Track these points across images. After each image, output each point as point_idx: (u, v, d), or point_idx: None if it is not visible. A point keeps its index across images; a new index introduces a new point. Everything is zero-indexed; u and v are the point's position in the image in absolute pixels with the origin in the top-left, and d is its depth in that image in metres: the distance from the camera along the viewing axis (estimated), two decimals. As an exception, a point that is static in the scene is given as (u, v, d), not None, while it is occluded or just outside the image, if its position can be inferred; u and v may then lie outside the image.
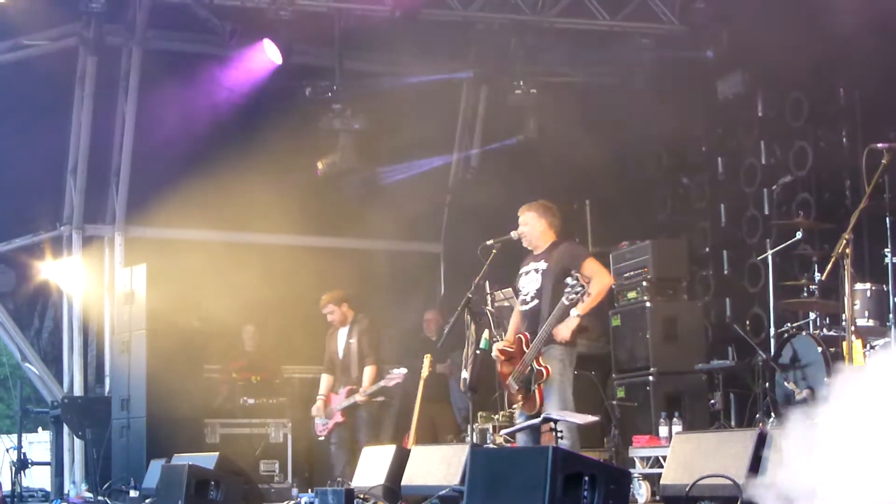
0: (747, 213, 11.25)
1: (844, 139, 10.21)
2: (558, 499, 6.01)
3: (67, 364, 13.02)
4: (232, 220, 12.94)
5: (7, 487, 11.55)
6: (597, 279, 7.76)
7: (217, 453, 9.80)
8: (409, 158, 13.28)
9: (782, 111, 10.93)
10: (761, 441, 6.51)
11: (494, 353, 8.03)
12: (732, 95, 11.38)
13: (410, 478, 8.69)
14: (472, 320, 8.02)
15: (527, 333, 7.93)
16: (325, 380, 11.11)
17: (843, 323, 7.70)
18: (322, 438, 11.08)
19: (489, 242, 8.18)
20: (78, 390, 12.90)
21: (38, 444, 15.03)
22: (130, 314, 11.58)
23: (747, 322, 10.68)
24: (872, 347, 7.82)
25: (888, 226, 8.35)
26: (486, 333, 8.12)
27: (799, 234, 9.32)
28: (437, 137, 13.68)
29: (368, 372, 10.75)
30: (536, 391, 7.83)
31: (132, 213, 13.08)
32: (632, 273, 10.29)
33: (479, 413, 10.24)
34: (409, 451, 9.05)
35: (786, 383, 8.48)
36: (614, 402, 10.02)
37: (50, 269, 13.07)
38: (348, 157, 12.02)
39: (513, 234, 8.19)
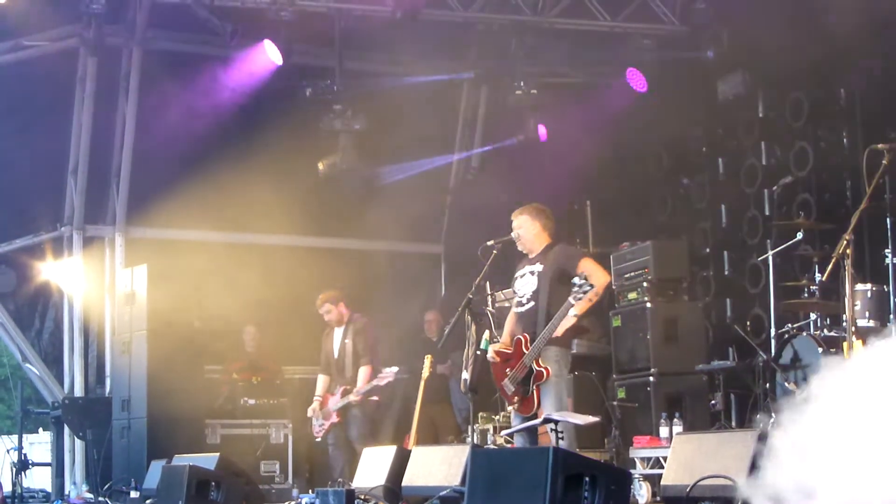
0: (748, 213, 11.25)
1: (845, 139, 10.21)
2: (559, 499, 6.01)
3: (68, 365, 13.02)
4: (232, 221, 12.95)
5: (8, 488, 11.54)
6: (593, 279, 7.77)
7: (218, 454, 9.80)
8: (410, 159, 13.28)
9: (783, 111, 10.93)
10: (762, 442, 6.51)
11: (490, 355, 8.02)
12: (733, 96, 11.38)
13: (411, 478, 8.69)
14: (473, 321, 8.02)
15: (526, 335, 7.93)
16: (322, 380, 11.13)
17: (844, 324, 7.71)
18: (319, 440, 11.10)
19: (490, 243, 8.18)
20: (78, 391, 12.90)
21: (39, 444, 15.03)
22: (131, 315, 11.58)
23: (748, 323, 10.67)
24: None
25: (889, 226, 8.36)
26: (486, 334, 8.12)
27: (799, 235, 9.31)
28: (437, 138, 13.68)
29: (363, 372, 10.77)
30: (535, 392, 7.84)
31: (133, 213, 13.09)
32: (632, 274, 10.29)
33: (480, 414, 10.26)
34: (410, 451, 9.05)
35: (786, 384, 8.48)
36: (615, 403, 10.01)
37: (50, 270, 13.07)
38: (349, 158, 12.02)
39: (513, 234, 8.20)
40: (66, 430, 12.52)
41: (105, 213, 13.20)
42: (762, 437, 6.44)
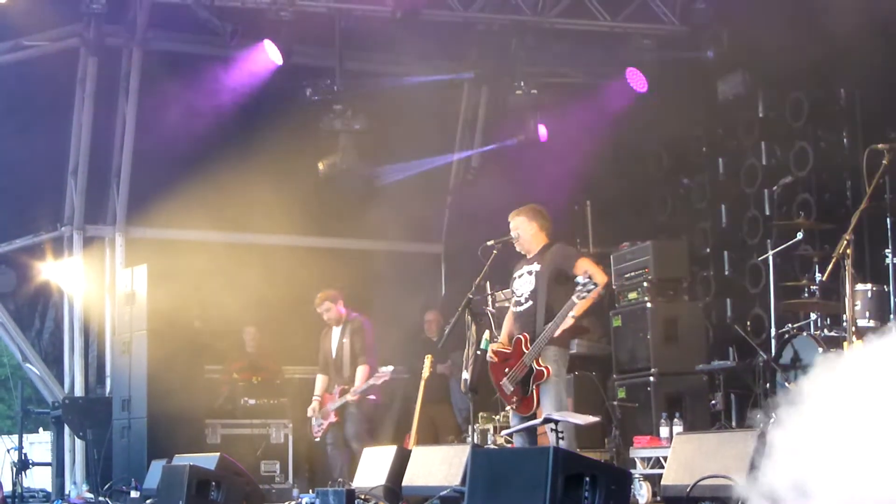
0: (748, 213, 11.26)
1: (845, 139, 10.22)
2: (559, 499, 6.02)
3: (68, 365, 13.02)
4: (233, 221, 12.95)
5: (8, 488, 11.54)
6: (593, 279, 7.78)
7: (218, 454, 9.79)
8: (410, 159, 13.28)
9: (783, 111, 10.93)
10: (762, 441, 6.51)
11: (489, 355, 8.03)
12: (733, 96, 11.39)
13: (411, 478, 8.69)
14: (473, 321, 8.03)
15: (525, 334, 7.94)
16: (321, 380, 11.15)
17: (844, 324, 7.72)
18: (318, 440, 11.11)
19: (490, 243, 8.20)
20: (79, 391, 12.90)
21: (39, 444, 15.02)
22: (131, 315, 11.58)
23: (748, 323, 10.68)
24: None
25: (889, 226, 8.37)
26: (486, 334, 8.12)
27: (800, 235, 9.32)
28: (437, 138, 13.68)
29: (361, 371, 10.78)
30: (534, 391, 7.84)
31: (133, 213, 13.09)
32: (632, 274, 10.29)
33: (480, 414, 10.27)
34: (410, 451, 9.05)
35: (787, 384, 8.48)
36: (615, 403, 10.02)
37: (51, 270, 13.07)
38: (349, 158, 12.02)
39: (513, 234, 8.22)
40: (67, 429, 12.52)
41: (105, 213, 13.21)
42: (762, 437, 6.45)
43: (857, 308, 8.01)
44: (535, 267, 8.07)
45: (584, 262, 7.96)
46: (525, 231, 8.17)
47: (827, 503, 5.43)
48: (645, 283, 10.11)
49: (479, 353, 7.89)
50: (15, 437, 12.01)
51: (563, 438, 7.48)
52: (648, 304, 10.01)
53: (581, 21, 11.80)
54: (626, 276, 10.36)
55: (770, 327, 9.61)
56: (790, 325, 9.27)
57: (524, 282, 8.13)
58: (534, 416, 7.93)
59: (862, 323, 8.13)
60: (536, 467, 6.15)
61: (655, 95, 11.79)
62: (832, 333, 8.55)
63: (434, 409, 11.90)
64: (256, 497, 10.01)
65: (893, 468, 5.28)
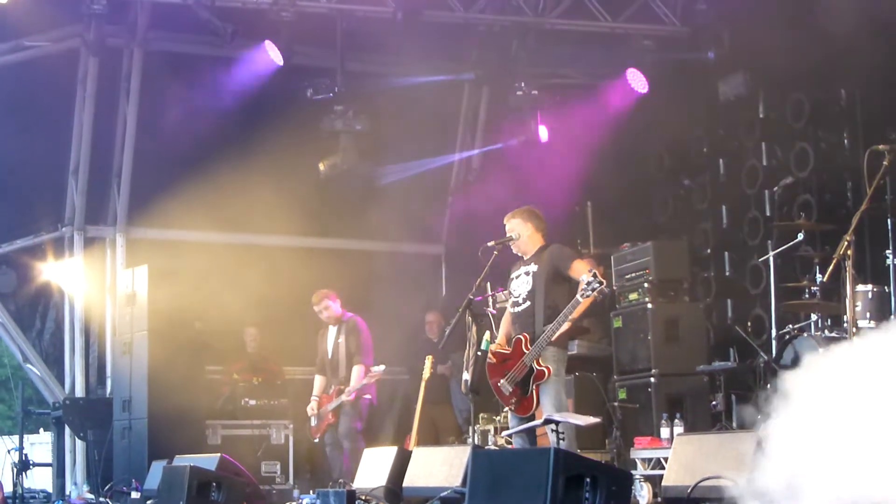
0: (749, 214, 11.25)
1: (846, 140, 10.21)
2: (560, 500, 6.02)
3: (69, 365, 13.02)
4: (233, 222, 12.94)
5: (9, 488, 11.54)
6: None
7: (218, 454, 9.80)
8: (411, 160, 13.28)
9: (783, 112, 10.93)
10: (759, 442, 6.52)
11: (488, 357, 8.03)
12: (734, 96, 11.38)
13: (412, 479, 8.69)
14: (474, 322, 8.03)
15: (525, 335, 7.95)
16: (318, 381, 11.18)
17: (845, 325, 7.73)
18: (317, 440, 11.13)
19: (490, 244, 8.21)
20: (79, 391, 12.90)
21: (40, 445, 14.98)
22: (132, 315, 11.58)
23: (749, 324, 10.68)
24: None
25: (889, 227, 8.36)
26: (487, 335, 8.12)
27: (800, 236, 9.31)
28: (438, 139, 13.69)
29: (356, 371, 10.81)
30: (534, 392, 7.84)
31: (133, 214, 13.09)
32: (633, 274, 10.29)
33: (481, 414, 10.27)
34: (411, 452, 9.06)
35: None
36: (616, 404, 10.01)
37: (51, 271, 13.07)
38: (350, 159, 12.02)
39: (513, 234, 8.22)
40: (67, 430, 12.52)
41: (106, 214, 13.21)
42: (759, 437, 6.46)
43: (858, 309, 8.01)
44: (533, 268, 8.09)
45: (579, 264, 7.98)
46: (521, 233, 8.19)
47: (817, 500, 5.45)
48: (645, 284, 10.11)
49: (479, 353, 7.90)
50: (15, 438, 12.01)
51: (563, 439, 7.48)
52: (649, 305, 10.01)
53: (582, 22, 11.80)
54: (627, 276, 10.36)
55: (771, 328, 9.61)
56: (791, 325, 9.27)
57: (521, 283, 8.14)
58: (533, 417, 7.94)
59: (863, 324, 8.12)
60: (537, 468, 6.15)
61: (656, 96, 11.79)
62: (833, 334, 8.55)
63: (435, 410, 11.91)
64: (257, 498, 10.01)
65: (881, 464, 5.30)
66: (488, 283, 9.77)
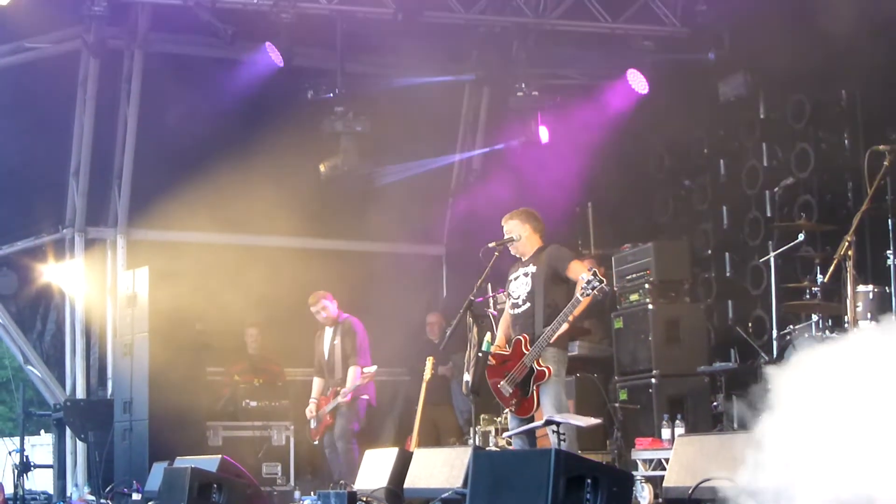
0: (749, 215, 11.25)
1: (846, 141, 10.21)
2: (561, 501, 6.01)
3: (70, 367, 13.02)
4: (234, 223, 12.94)
5: (10, 490, 11.55)
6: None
7: (219, 456, 9.79)
8: (411, 161, 13.28)
9: (784, 113, 10.93)
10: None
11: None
12: (734, 97, 11.38)
13: (413, 480, 8.69)
14: (475, 323, 8.03)
15: (525, 335, 7.95)
16: (317, 383, 11.22)
17: (846, 325, 7.72)
18: (316, 442, 11.14)
19: (491, 245, 8.21)
20: (80, 393, 12.91)
21: (41, 446, 15.01)
22: (133, 317, 11.59)
23: (749, 324, 10.69)
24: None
25: (890, 228, 8.36)
26: (488, 336, 8.12)
27: (801, 237, 9.31)
28: (438, 140, 13.69)
29: (352, 372, 10.84)
30: (535, 392, 7.84)
31: (134, 215, 13.10)
32: (634, 275, 10.30)
33: (482, 416, 10.27)
34: (412, 453, 9.05)
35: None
36: (617, 405, 10.01)
37: (52, 272, 13.08)
38: (350, 160, 12.01)
39: (513, 235, 8.23)
40: (68, 432, 12.52)
41: (107, 215, 13.21)
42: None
43: (859, 309, 8.00)
44: (531, 269, 8.09)
45: (577, 265, 7.99)
46: (519, 234, 8.19)
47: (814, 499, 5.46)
48: (646, 285, 10.11)
49: (480, 354, 7.89)
50: (16, 440, 12.02)
51: (564, 440, 7.48)
52: (650, 306, 10.01)
53: (582, 23, 11.79)
54: (628, 277, 10.37)
55: (771, 329, 9.61)
56: (792, 326, 9.27)
57: (520, 284, 8.14)
58: (532, 419, 7.93)
59: (864, 324, 8.11)
60: (538, 469, 6.15)
61: (656, 97, 11.79)
62: (834, 335, 8.54)
63: (436, 411, 11.91)
64: (258, 499, 10.01)
65: (871, 460, 5.31)
66: (489, 285, 9.79)
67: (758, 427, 6.03)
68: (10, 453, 11.90)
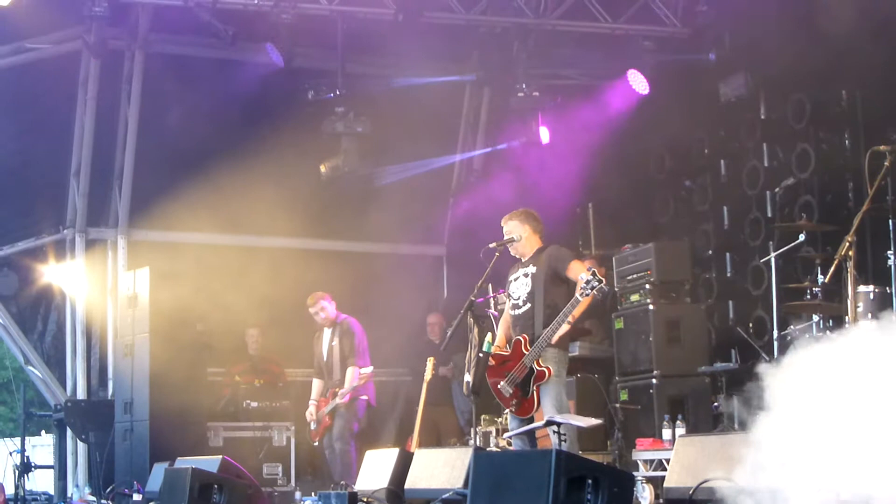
0: (750, 215, 11.25)
1: (847, 141, 10.21)
2: (561, 502, 6.01)
3: (70, 367, 13.02)
4: (235, 223, 12.95)
5: (10, 491, 11.55)
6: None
7: (220, 457, 9.79)
8: (412, 161, 13.28)
9: (784, 113, 10.92)
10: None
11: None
12: (735, 98, 11.39)
13: (414, 481, 8.69)
14: (475, 323, 8.04)
15: (525, 336, 7.95)
16: (316, 385, 11.23)
17: (847, 325, 7.71)
18: (316, 444, 11.14)
19: (492, 245, 8.21)
20: (81, 393, 12.91)
21: (42, 447, 15.03)
22: (133, 317, 11.59)
23: (750, 325, 10.68)
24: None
25: (891, 228, 8.35)
26: (488, 336, 8.14)
27: (802, 237, 9.31)
28: (439, 140, 13.69)
29: (349, 373, 10.84)
30: (535, 393, 7.84)
31: (135, 216, 13.10)
32: (635, 276, 10.29)
33: (483, 416, 10.27)
34: (413, 454, 9.06)
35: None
36: (617, 405, 10.01)
37: (53, 273, 13.08)
38: (351, 160, 12.01)
39: (514, 236, 8.23)
40: (69, 432, 12.52)
41: (107, 216, 13.22)
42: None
43: (860, 310, 8.00)
44: (531, 269, 8.09)
45: (577, 264, 7.99)
46: (518, 234, 8.19)
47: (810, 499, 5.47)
48: (647, 285, 10.11)
49: (481, 355, 7.89)
50: (17, 440, 12.04)
51: (565, 441, 7.47)
52: (650, 306, 10.01)
53: (582, 23, 11.79)
54: (629, 278, 10.36)
55: (772, 329, 9.60)
56: (793, 326, 9.27)
57: (520, 284, 8.14)
58: (533, 419, 7.93)
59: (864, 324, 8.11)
60: (539, 470, 6.15)
61: (657, 97, 11.79)
62: (835, 335, 8.53)
63: (436, 412, 11.91)
64: (259, 500, 10.00)
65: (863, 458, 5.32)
66: (490, 285, 9.79)
67: (753, 427, 6.03)
68: (10, 454, 11.91)
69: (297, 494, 11.36)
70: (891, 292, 8.26)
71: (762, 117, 11.27)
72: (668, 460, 7.86)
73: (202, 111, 12.15)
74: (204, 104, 12.17)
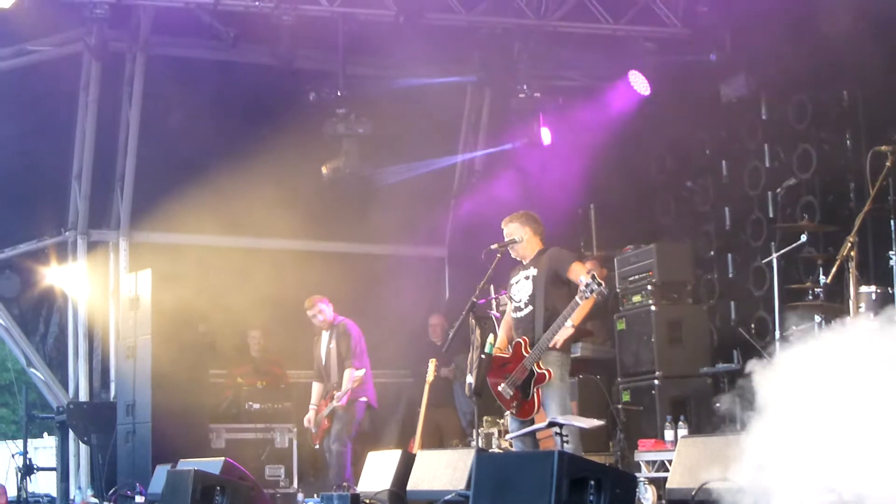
0: (751, 216, 11.25)
1: (848, 141, 10.21)
2: (564, 503, 6.01)
3: (73, 369, 13.03)
4: (236, 225, 12.95)
5: (13, 493, 11.57)
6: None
7: (222, 458, 9.78)
8: (413, 162, 13.28)
9: (786, 114, 10.92)
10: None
11: None
12: (736, 98, 11.39)
13: (416, 482, 8.69)
14: (477, 324, 8.04)
15: (525, 338, 7.95)
16: (316, 388, 11.24)
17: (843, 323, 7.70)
18: (317, 447, 11.15)
19: (493, 246, 8.20)
20: (83, 396, 12.91)
21: (44, 449, 15.03)
22: (135, 319, 11.59)
23: (752, 325, 10.68)
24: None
25: (892, 228, 8.35)
26: (490, 338, 8.13)
27: (803, 237, 9.30)
28: (441, 141, 13.69)
29: (347, 375, 10.83)
30: (535, 395, 7.84)
31: (137, 218, 13.10)
32: (636, 277, 10.30)
33: (485, 417, 10.27)
34: (415, 455, 9.06)
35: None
36: (619, 406, 10.01)
37: (55, 275, 13.09)
38: (352, 162, 12.01)
39: (515, 237, 8.22)
40: (71, 434, 12.53)
41: (109, 218, 13.22)
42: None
43: (862, 310, 8.00)
44: (532, 272, 8.09)
45: (578, 266, 7.98)
46: (519, 237, 8.19)
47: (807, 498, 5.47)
48: (649, 286, 10.12)
49: (483, 356, 7.89)
50: (20, 442, 12.04)
51: (567, 442, 7.48)
52: (652, 307, 10.02)
53: (584, 24, 11.79)
54: (630, 279, 10.37)
55: (774, 330, 9.60)
56: (794, 327, 9.26)
57: (522, 287, 8.14)
58: (533, 421, 7.93)
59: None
60: (541, 471, 6.15)
61: (658, 98, 11.80)
62: (826, 332, 8.53)
63: (438, 413, 11.90)
64: (261, 501, 10.00)
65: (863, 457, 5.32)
66: (492, 286, 9.78)
67: (753, 426, 6.04)
68: (13, 456, 11.92)
69: (300, 496, 11.36)
70: (892, 292, 8.25)
71: (763, 118, 11.27)
72: (670, 461, 7.86)
73: (203, 113, 12.16)
74: (205, 106, 12.18)
